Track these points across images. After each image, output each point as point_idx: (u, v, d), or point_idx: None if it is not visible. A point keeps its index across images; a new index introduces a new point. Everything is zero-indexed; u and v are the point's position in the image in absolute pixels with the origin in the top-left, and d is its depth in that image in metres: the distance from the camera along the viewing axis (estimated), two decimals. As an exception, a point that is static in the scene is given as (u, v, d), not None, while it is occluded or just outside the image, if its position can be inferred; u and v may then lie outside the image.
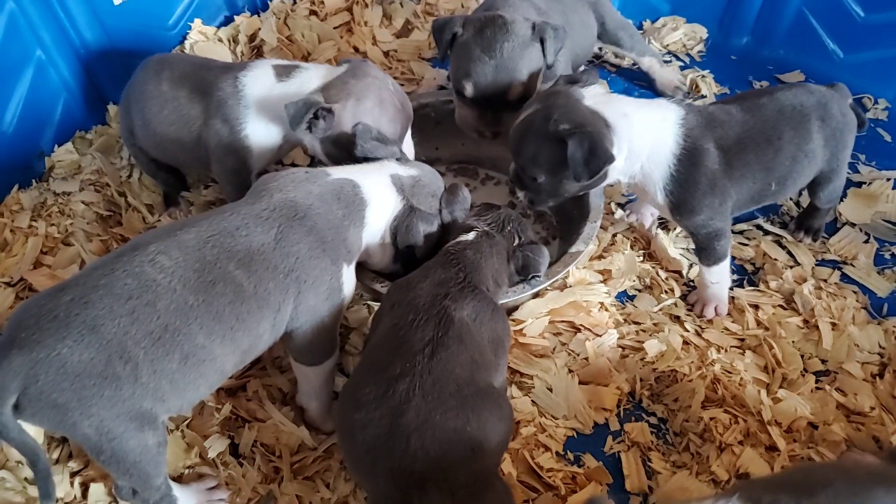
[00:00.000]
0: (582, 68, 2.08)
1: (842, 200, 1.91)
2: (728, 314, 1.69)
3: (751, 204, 1.62)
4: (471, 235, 1.39)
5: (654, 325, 1.66)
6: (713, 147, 1.50)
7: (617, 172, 1.53)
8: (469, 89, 1.69)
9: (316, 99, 1.48)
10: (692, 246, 1.72)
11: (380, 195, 1.39)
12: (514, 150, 1.54)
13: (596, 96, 1.49)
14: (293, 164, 1.99)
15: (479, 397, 1.15)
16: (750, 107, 1.56)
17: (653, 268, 1.78)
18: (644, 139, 1.48)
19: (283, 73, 1.59)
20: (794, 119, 1.55)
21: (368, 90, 1.53)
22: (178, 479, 1.39)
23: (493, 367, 1.27)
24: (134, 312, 1.08)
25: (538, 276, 1.45)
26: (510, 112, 1.66)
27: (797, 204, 1.94)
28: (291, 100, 1.47)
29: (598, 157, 1.39)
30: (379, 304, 1.38)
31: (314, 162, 1.69)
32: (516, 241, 1.43)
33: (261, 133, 1.60)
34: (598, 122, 1.44)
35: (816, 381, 1.57)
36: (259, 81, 1.59)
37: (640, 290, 1.75)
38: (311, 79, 1.57)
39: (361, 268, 1.54)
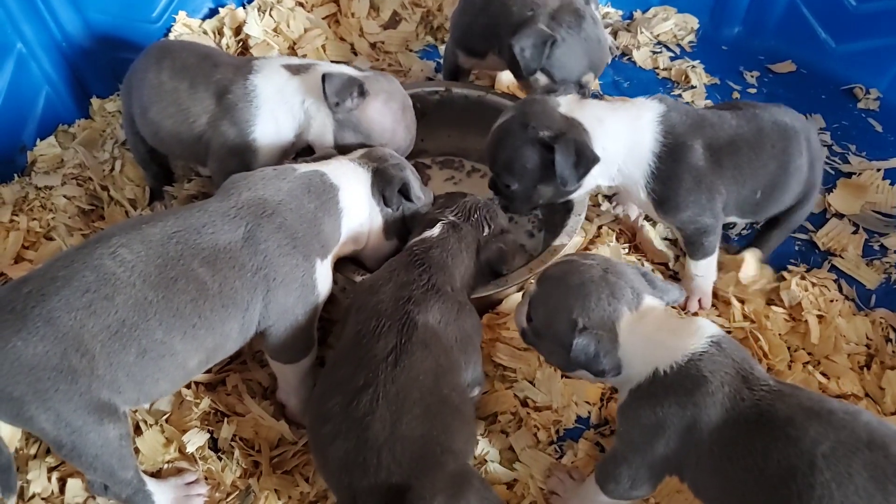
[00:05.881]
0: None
1: (831, 191, 1.89)
2: (714, 307, 1.68)
3: (734, 212, 1.59)
4: (436, 230, 1.36)
5: (639, 317, 1.64)
6: (699, 145, 1.48)
7: (594, 178, 1.52)
8: (590, 78, 1.73)
9: (358, 77, 1.51)
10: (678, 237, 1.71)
11: (347, 174, 1.40)
12: (490, 158, 1.55)
13: (570, 103, 1.51)
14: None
15: (441, 405, 1.14)
16: (745, 115, 1.55)
17: (638, 259, 1.76)
18: (619, 142, 1.48)
19: (296, 70, 1.57)
20: (787, 132, 1.55)
21: (398, 95, 1.60)
22: (157, 473, 1.38)
23: (460, 367, 1.25)
24: (91, 306, 1.07)
25: (502, 273, 1.44)
26: None
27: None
28: (308, 95, 1.51)
29: (586, 159, 1.42)
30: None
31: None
32: (485, 231, 1.40)
33: (270, 134, 1.56)
34: (577, 128, 1.46)
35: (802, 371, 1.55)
36: (271, 81, 1.55)
37: (625, 283, 1.73)
38: None
39: (342, 260, 1.53)
